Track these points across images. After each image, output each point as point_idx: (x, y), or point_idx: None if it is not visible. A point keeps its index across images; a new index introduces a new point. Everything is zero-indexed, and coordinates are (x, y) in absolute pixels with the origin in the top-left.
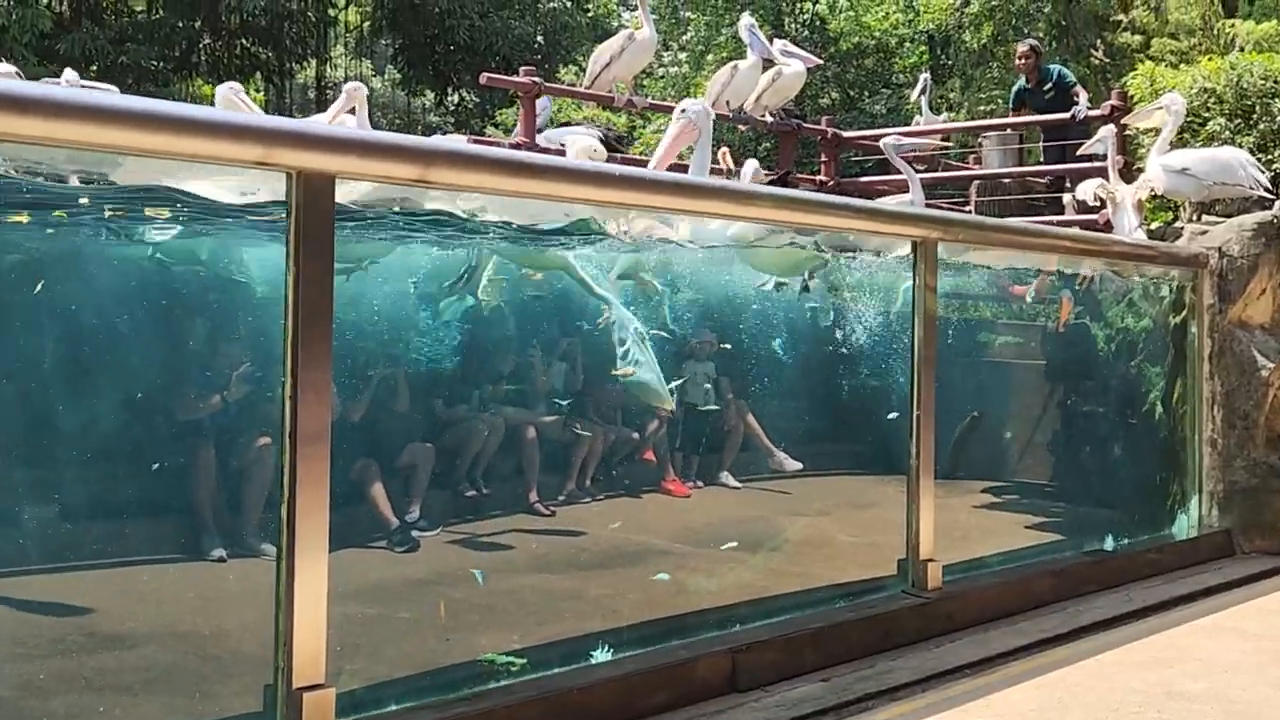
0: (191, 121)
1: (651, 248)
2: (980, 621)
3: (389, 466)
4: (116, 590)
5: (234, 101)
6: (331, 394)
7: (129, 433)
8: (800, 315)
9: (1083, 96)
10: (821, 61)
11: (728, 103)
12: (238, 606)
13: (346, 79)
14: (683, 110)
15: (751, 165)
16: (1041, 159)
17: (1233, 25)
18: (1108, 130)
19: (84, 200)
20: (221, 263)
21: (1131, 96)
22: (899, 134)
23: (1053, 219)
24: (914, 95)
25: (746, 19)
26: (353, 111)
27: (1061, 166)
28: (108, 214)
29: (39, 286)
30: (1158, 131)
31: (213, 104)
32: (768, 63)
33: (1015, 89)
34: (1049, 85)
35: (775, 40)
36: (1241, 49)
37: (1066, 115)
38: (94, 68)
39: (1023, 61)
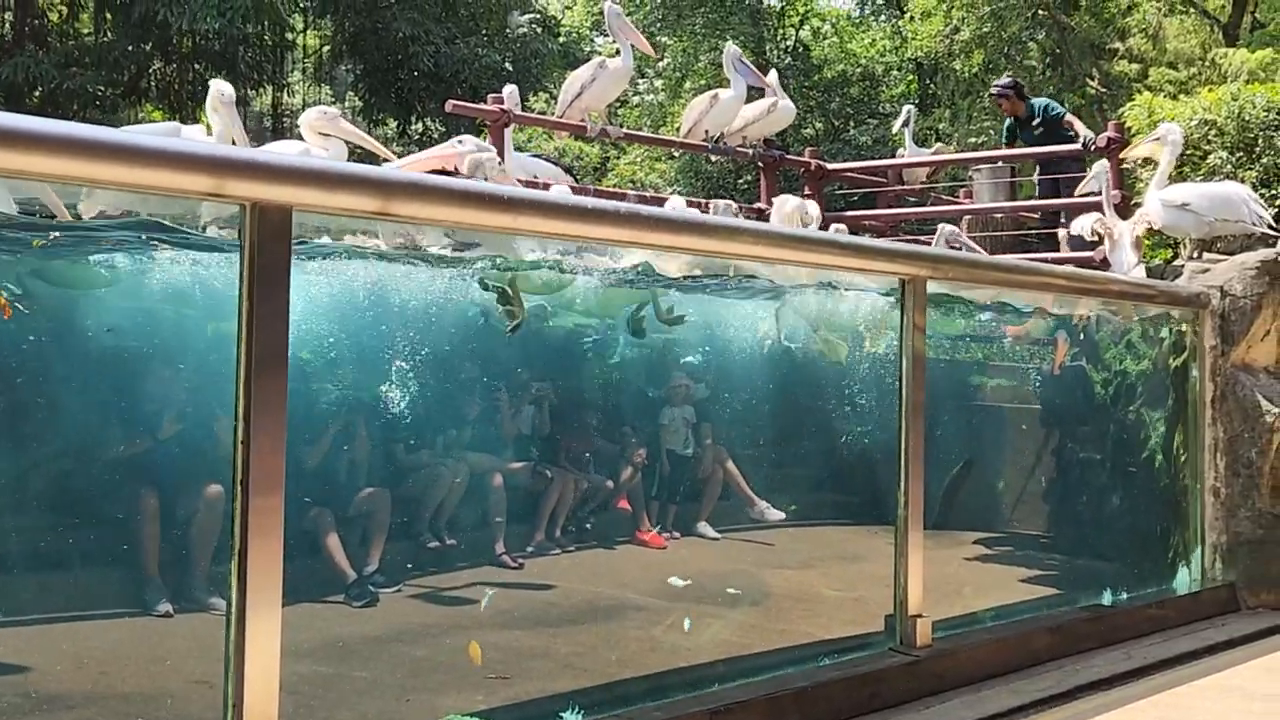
0: (135, 150)
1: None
2: (973, 680)
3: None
4: (54, 648)
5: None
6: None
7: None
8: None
9: (1079, 125)
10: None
11: (706, 132)
12: (184, 665)
13: (304, 106)
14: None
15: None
16: (1034, 193)
17: (1224, 55)
18: (1101, 166)
19: None
20: None
21: (1129, 128)
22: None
23: (1047, 256)
24: (896, 126)
25: (732, 48)
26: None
27: (1056, 201)
28: None
29: None
30: (1155, 164)
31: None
32: (754, 92)
33: (1007, 126)
34: (1036, 121)
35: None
36: (1234, 79)
37: (1063, 148)
38: (38, 93)
39: (1004, 104)
